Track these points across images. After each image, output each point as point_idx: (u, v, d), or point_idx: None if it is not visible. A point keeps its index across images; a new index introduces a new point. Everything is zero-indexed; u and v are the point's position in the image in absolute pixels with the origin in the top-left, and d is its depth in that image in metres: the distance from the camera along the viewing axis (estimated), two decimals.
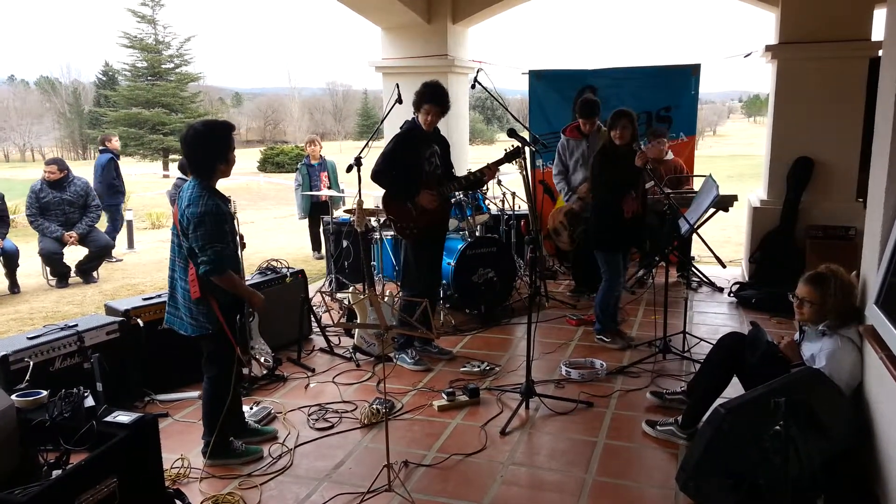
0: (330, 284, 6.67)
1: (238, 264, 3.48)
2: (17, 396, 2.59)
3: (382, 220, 5.93)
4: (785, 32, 6.46)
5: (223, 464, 3.45)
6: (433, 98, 4.57)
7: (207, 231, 3.13)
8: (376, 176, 4.63)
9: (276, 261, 5.35)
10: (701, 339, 4.99)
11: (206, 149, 3.25)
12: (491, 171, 4.80)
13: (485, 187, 6.55)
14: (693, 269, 6.86)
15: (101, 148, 9.37)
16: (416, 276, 4.80)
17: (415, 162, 4.64)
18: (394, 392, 4.31)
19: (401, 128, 4.78)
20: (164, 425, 3.84)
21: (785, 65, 6.53)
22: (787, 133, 6.58)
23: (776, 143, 6.67)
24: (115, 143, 9.40)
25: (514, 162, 4.82)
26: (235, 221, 3.56)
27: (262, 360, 4.54)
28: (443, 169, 4.81)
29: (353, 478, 3.34)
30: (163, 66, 38.27)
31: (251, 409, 4.04)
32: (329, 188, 8.36)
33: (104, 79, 52.66)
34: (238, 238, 3.57)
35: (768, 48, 6.58)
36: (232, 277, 3.25)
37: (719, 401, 3.31)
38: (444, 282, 5.76)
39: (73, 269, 7.95)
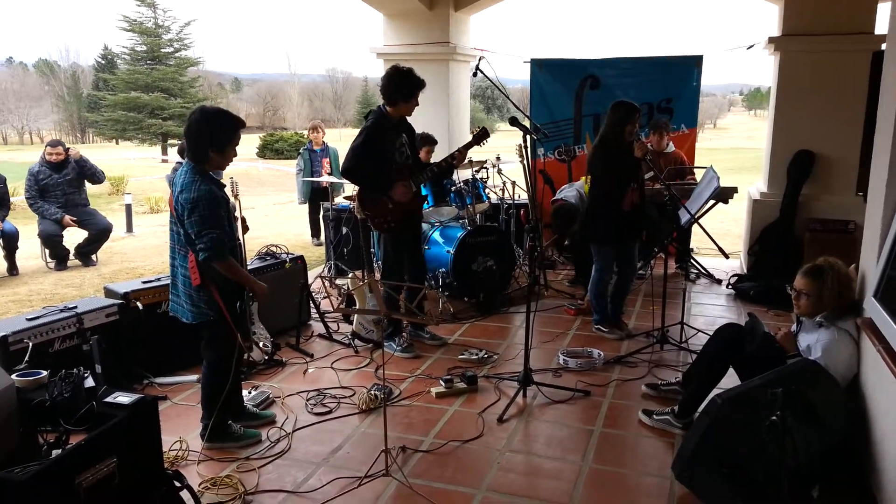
0: (329, 271, 6.68)
1: (237, 250, 3.46)
2: (17, 376, 2.59)
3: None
4: (788, 24, 6.44)
5: (221, 447, 3.47)
6: (419, 82, 4.49)
7: (202, 217, 3.10)
8: (347, 172, 4.54)
9: (276, 246, 5.35)
10: (698, 331, 5.00)
11: (205, 133, 3.18)
12: (461, 154, 4.71)
13: (485, 176, 6.56)
14: (692, 260, 6.87)
15: None
16: (397, 269, 4.78)
17: (386, 153, 4.55)
18: (392, 378, 4.33)
19: (366, 118, 4.69)
20: (162, 408, 3.84)
21: (787, 57, 6.51)
22: (788, 126, 6.57)
23: (777, 135, 6.67)
24: None
25: (481, 144, 4.80)
26: (237, 205, 3.56)
27: (261, 344, 4.55)
28: (413, 159, 4.75)
29: (350, 462, 3.36)
30: (162, 51, 38.13)
31: (250, 393, 4.05)
32: (330, 174, 8.35)
33: (103, 62, 52.44)
34: (238, 222, 3.56)
35: (771, 40, 6.56)
36: (232, 263, 3.24)
37: (716, 391, 3.33)
38: (442, 269, 5.77)
39: (72, 251, 7.94)
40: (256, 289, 3.41)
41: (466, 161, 5.13)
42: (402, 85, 4.48)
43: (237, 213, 3.61)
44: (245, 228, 3.73)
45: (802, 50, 6.40)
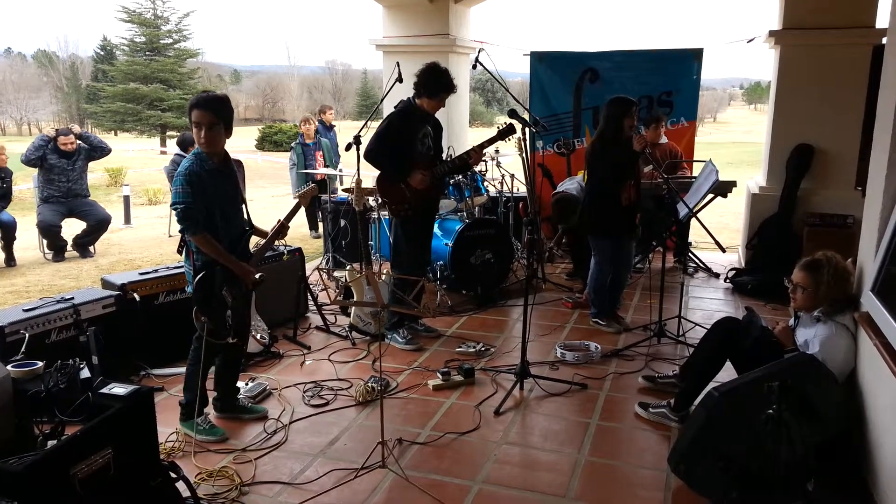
0: (327, 263, 6.67)
1: (227, 238, 3.39)
2: (12, 367, 2.59)
3: (381, 199, 5.92)
4: (788, 18, 6.41)
5: (186, 432, 3.50)
6: (450, 86, 4.56)
7: (176, 190, 3.25)
8: (368, 155, 4.61)
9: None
10: (696, 324, 5.00)
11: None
12: (477, 153, 4.77)
13: (484, 169, 6.55)
14: (690, 254, 6.87)
15: None
16: (406, 256, 4.80)
17: (408, 142, 4.61)
18: (389, 371, 4.33)
19: (395, 107, 4.75)
20: (159, 399, 3.84)
21: (787, 51, 6.49)
22: (787, 119, 6.56)
23: (777, 129, 6.65)
24: None
25: (507, 139, 4.82)
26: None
27: (258, 336, 4.55)
28: (434, 151, 4.79)
29: (347, 454, 3.36)
30: (161, 42, 37.94)
31: (247, 384, 4.05)
32: (326, 167, 8.33)
33: (102, 53, 52.21)
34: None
35: (771, 34, 6.54)
36: (207, 240, 3.28)
37: (712, 384, 3.33)
38: (441, 262, 5.76)
39: (69, 242, 7.93)
40: (238, 271, 3.38)
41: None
42: (429, 82, 4.55)
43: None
44: (281, 232, 3.64)
45: (803, 44, 6.37)
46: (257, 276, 3.53)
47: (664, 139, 6.83)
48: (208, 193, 3.27)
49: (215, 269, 3.35)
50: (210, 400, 3.73)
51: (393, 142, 4.58)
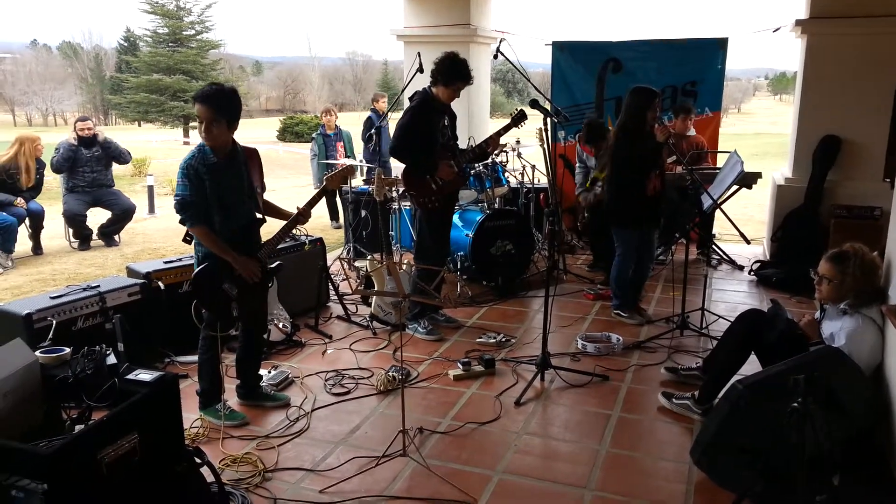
0: (348, 253, 6.70)
1: (228, 231, 3.40)
2: (40, 353, 2.63)
3: (401, 190, 5.92)
4: (816, 7, 6.30)
5: (208, 419, 3.55)
6: (465, 75, 4.54)
7: (178, 183, 3.33)
8: (395, 151, 4.64)
9: (296, 228, 5.35)
10: (719, 317, 4.95)
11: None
12: (494, 141, 4.78)
13: (504, 159, 6.52)
14: (714, 246, 6.80)
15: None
16: (431, 246, 4.81)
17: (429, 134, 4.61)
18: (410, 361, 4.34)
19: (410, 99, 4.73)
20: (183, 386, 3.85)
21: (815, 40, 6.38)
22: (814, 110, 6.45)
23: (803, 120, 6.55)
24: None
25: (520, 126, 4.81)
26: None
27: (280, 325, 4.58)
28: (452, 141, 4.79)
29: (368, 442, 3.39)
30: (184, 33, 38.17)
31: (269, 372, 4.09)
32: (347, 157, 8.35)
33: (125, 45, 52.70)
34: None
35: (798, 23, 6.43)
36: (205, 232, 3.33)
37: (736, 377, 3.30)
38: (461, 253, 5.76)
39: (95, 232, 8.04)
40: (236, 264, 3.39)
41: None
42: (446, 70, 4.54)
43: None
44: (300, 218, 3.66)
45: (830, 33, 6.26)
46: (276, 263, 3.54)
47: (692, 131, 6.75)
48: (207, 187, 3.30)
49: (217, 261, 3.37)
50: (234, 388, 3.78)
51: (416, 136, 4.58)
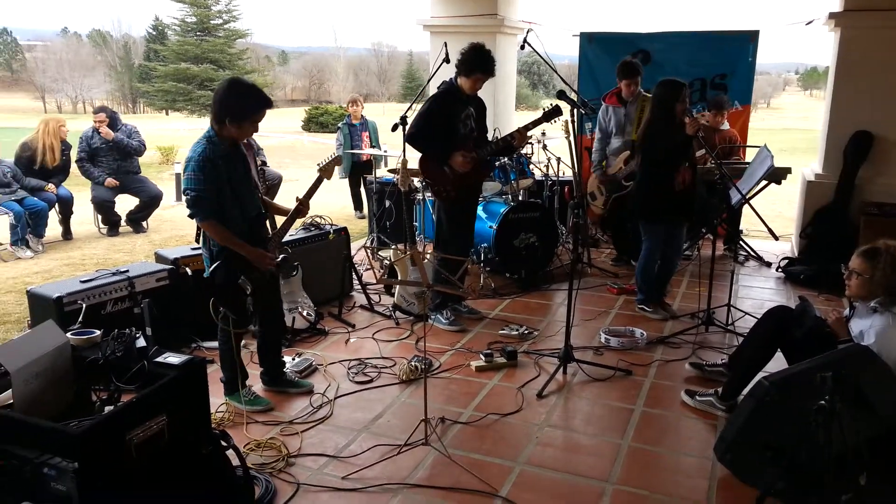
0: (372, 243, 6.72)
1: (244, 222, 3.40)
2: (72, 335, 2.67)
3: (424, 181, 5.93)
4: None
5: (234, 404, 3.60)
6: (485, 66, 4.51)
7: (188, 176, 3.24)
8: (411, 138, 4.62)
9: (321, 217, 5.40)
10: (746, 313, 4.90)
11: (228, 102, 3.28)
12: (521, 135, 4.72)
13: (529, 151, 6.49)
14: (741, 242, 6.72)
15: None
16: (449, 237, 4.80)
17: (450, 124, 4.60)
18: (432, 351, 4.35)
19: (438, 88, 4.73)
20: (209, 371, 3.92)
21: (848, 33, 6.25)
22: (846, 105, 6.34)
23: (834, 115, 6.44)
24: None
25: (553, 122, 4.76)
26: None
27: (304, 313, 4.62)
28: (478, 132, 4.76)
29: (390, 430, 3.41)
30: (211, 22, 38.52)
31: (293, 359, 4.13)
32: (372, 147, 8.37)
33: (154, 33, 53.23)
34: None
35: (831, 16, 6.31)
36: (216, 227, 3.29)
37: (762, 374, 3.26)
38: (485, 245, 5.75)
39: (123, 218, 8.15)
40: (251, 256, 3.39)
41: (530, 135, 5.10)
42: (466, 60, 4.53)
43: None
44: (300, 211, 3.62)
45: (865, 26, 6.13)
46: (280, 257, 3.55)
47: (726, 125, 6.67)
48: (222, 177, 3.28)
49: (230, 256, 3.35)
50: (259, 374, 3.82)
51: (435, 124, 4.57)
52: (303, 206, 3.61)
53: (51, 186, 7.45)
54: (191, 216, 3.32)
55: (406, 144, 4.67)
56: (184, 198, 3.32)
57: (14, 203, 6.97)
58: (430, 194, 6.07)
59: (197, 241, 3.54)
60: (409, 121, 4.64)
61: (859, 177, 6.29)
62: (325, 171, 3.71)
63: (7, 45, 67.10)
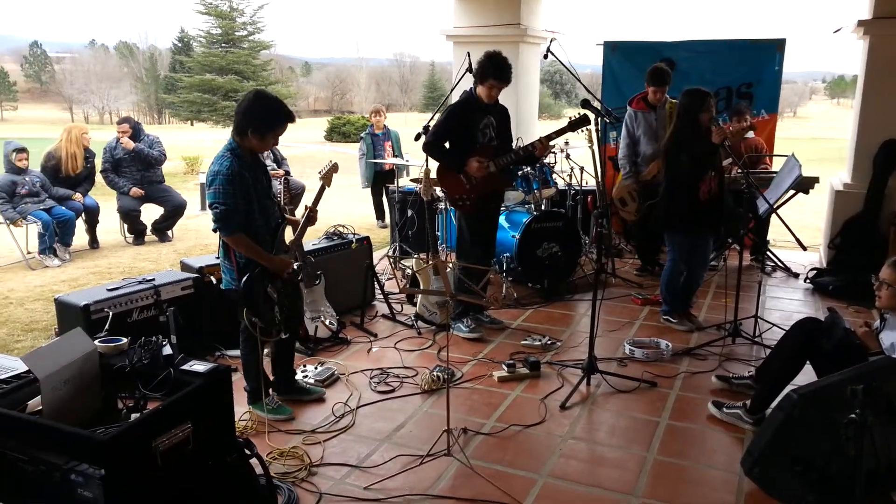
0: (394, 252, 6.73)
1: (268, 233, 3.45)
2: (99, 342, 2.70)
3: (441, 190, 5.93)
4: (879, 6, 6.08)
5: (257, 413, 3.61)
6: (497, 73, 4.49)
7: (215, 190, 3.24)
8: (427, 147, 4.63)
9: (343, 227, 5.42)
10: (773, 325, 4.83)
11: (252, 115, 3.30)
12: (543, 144, 4.69)
13: (553, 161, 6.46)
14: (768, 252, 6.63)
15: None
16: (469, 247, 4.79)
17: (469, 133, 4.60)
18: (454, 361, 4.33)
19: (459, 98, 4.74)
20: (233, 380, 3.95)
21: (878, 41, 6.17)
22: (875, 114, 6.24)
23: (863, 124, 6.34)
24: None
25: (579, 132, 4.73)
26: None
27: (326, 322, 4.63)
28: (500, 140, 4.74)
29: (412, 440, 3.40)
30: (236, 34, 39.04)
31: (315, 368, 4.14)
32: (395, 157, 8.40)
33: (180, 45, 54.09)
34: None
35: (860, 23, 6.23)
36: (242, 240, 3.31)
37: (790, 387, 3.20)
38: (507, 254, 5.73)
39: (149, 227, 8.25)
40: (274, 267, 3.41)
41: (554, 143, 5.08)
42: (479, 67, 4.55)
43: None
44: (311, 218, 3.65)
45: (894, 34, 6.04)
46: (295, 265, 3.58)
47: (751, 133, 6.59)
48: (249, 190, 3.30)
49: (258, 267, 3.37)
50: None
51: (452, 134, 4.57)
52: (313, 213, 3.65)
53: (78, 195, 7.57)
54: (215, 230, 3.33)
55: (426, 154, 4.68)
56: (210, 212, 3.33)
57: (42, 212, 7.09)
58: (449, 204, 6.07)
59: (219, 254, 3.56)
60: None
61: (889, 186, 6.19)
62: (326, 179, 3.78)
63: (37, 57, 68.60)
